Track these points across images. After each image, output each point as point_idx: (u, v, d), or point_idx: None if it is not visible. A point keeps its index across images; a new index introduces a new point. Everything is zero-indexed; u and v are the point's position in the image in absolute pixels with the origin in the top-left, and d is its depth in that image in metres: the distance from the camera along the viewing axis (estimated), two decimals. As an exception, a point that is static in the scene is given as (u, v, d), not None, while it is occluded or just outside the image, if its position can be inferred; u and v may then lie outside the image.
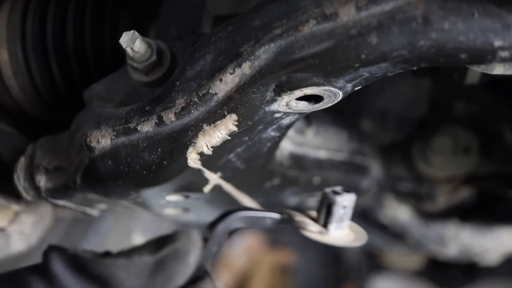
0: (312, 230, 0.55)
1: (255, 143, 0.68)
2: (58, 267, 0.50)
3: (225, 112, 0.61)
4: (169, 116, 0.62)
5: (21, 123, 0.88)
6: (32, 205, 0.90)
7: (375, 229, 1.25)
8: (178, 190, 0.72)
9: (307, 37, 0.55)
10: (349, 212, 0.54)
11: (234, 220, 0.55)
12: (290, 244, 2.18)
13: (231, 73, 0.59)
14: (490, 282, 1.90)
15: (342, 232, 0.55)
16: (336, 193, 0.54)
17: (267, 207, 0.95)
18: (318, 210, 0.54)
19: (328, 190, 0.54)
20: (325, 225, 0.54)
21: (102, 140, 0.65)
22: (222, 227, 0.54)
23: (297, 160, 0.89)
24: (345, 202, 0.53)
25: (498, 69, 0.58)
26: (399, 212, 1.20)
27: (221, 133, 0.62)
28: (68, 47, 0.83)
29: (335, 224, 0.54)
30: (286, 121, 0.67)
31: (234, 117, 0.61)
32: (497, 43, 0.51)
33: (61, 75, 0.83)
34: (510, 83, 0.95)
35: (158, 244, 0.50)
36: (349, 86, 0.59)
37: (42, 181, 0.75)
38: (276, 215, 0.57)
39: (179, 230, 0.51)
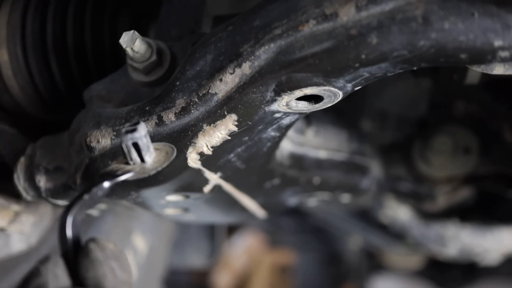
0: (136, 171, 0.57)
1: (255, 143, 0.68)
2: None
3: (225, 112, 0.61)
4: (169, 116, 0.62)
5: (21, 123, 0.88)
6: (32, 205, 0.90)
7: (375, 229, 1.25)
8: (178, 190, 0.72)
9: (307, 37, 0.55)
10: (149, 138, 0.57)
11: (76, 215, 0.54)
12: (290, 244, 2.18)
13: (231, 73, 0.59)
14: (490, 282, 1.90)
15: (155, 156, 0.59)
16: (128, 132, 0.55)
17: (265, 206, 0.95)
18: (128, 155, 0.56)
19: (123, 132, 0.55)
20: (142, 160, 0.57)
21: (102, 140, 0.65)
22: (69, 231, 0.53)
23: (297, 160, 0.89)
24: (142, 131, 0.55)
25: (498, 69, 0.58)
26: (399, 212, 1.20)
27: (221, 133, 0.62)
28: (68, 47, 0.83)
29: (148, 153, 0.57)
30: (286, 121, 0.67)
31: (234, 117, 0.61)
32: (497, 43, 0.51)
33: (61, 75, 0.83)
34: (510, 83, 0.95)
35: None
36: (349, 86, 0.59)
37: (42, 181, 0.75)
38: (99, 185, 0.57)
39: (34, 266, 0.51)
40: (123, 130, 0.56)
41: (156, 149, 0.60)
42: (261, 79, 0.58)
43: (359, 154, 1.04)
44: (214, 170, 0.70)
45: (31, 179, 0.76)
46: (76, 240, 0.53)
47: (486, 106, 1.07)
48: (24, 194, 0.78)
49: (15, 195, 0.81)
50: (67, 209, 0.53)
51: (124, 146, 0.55)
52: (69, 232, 0.53)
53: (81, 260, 0.52)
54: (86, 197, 0.55)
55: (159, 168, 0.59)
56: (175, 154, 0.61)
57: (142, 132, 0.55)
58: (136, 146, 0.55)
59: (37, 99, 0.85)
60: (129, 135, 0.55)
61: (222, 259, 2.11)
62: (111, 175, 0.58)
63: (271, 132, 0.68)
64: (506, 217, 1.22)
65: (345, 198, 1.07)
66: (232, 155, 0.68)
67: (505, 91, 1.04)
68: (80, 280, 0.51)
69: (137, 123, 0.56)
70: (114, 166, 0.60)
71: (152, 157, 0.58)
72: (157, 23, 0.79)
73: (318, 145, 0.95)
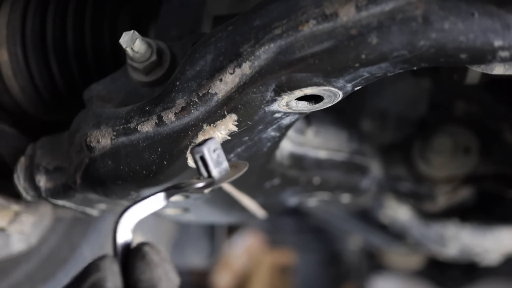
0: (201, 185, 0.57)
1: (255, 143, 0.68)
2: None
3: (225, 112, 0.61)
4: (169, 116, 0.62)
5: (21, 123, 0.88)
6: (32, 205, 0.90)
7: (375, 229, 1.25)
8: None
9: (307, 37, 0.55)
10: (221, 153, 0.56)
11: (129, 219, 0.55)
12: (290, 244, 2.18)
13: (231, 73, 0.59)
14: (490, 282, 1.91)
15: (227, 172, 0.58)
16: (199, 145, 0.55)
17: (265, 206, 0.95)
18: (197, 170, 0.56)
19: (193, 147, 0.56)
20: (209, 175, 0.56)
21: (102, 140, 0.65)
22: (120, 235, 0.55)
23: (297, 160, 0.89)
24: (212, 146, 0.55)
25: (498, 69, 0.58)
26: (399, 212, 1.20)
27: (221, 133, 0.62)
28: (68, 47, 0.83)
29: (216, 169, 0.56)
30: (286, 121, 0.67)
31: (234, 117, 0.61)
32: (497, 43, 0.51)
33: (61, 75, 0.83)
34: (510, 83, 0.95)
35: (77, 282, 0.51)
36: (349, 86, 0.59)
37: (42, 181, 0.75)
38: (159, 193, 0.58)
39: (93, 262, 0.52)
40: (193, 144, 0.57)
41: (232, 166, 0.59)
42: (261, 79, 0.58)
43: (359, 154, 1.04)
44: (214, 170, 0.70)
45: (31, 179, 0.76)
46: (127, 244, 0.54)
47: (486, 106, 1.07)
48: (24, 194, 0.78)
49: (15, 195, 0.81)
50: (121, 214, 0.54)
51: (193, 159, 0.56)
52: (121, 236, 0.54)
53: (136, 262, 0.52)
54: (140, 204, 0.56)
55: (227, 182, 0.58)
56: (246, 168, 0.60)
57: (211, 147, 0.55)
58: (203, 160, 0.55)
59: (37, 99, 0.85)
60: (196, 149, 0.55)
61: (222, 259, 2.11)
62: (176, 188, 0.59)
63: (271, 132, 0.68)
64: (506, 217, 1.22)
65: (345, 198, 1.07)
66: (232, 155, 0.68)
67: (505, 91, 1.04)
68: (133, 282, 0.51)
69: (210, 138, 0.56)
70: (185, 181, 0.60)
71: (224, 173, 0.57)
72: (157, 23, 0.79)
73: (318, 145, 0.95)
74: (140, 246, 0.54)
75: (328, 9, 0.54)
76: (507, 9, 0.50)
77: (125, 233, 0.55)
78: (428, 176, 1.13)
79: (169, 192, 0.58)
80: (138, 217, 0.56)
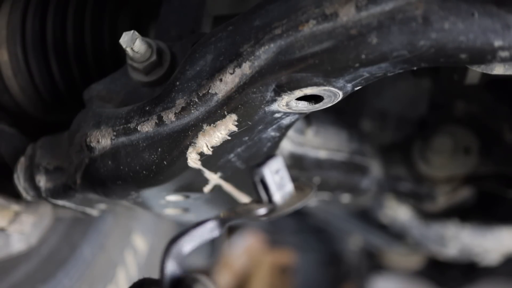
0: (262, 212, 0.50)
1: (255, 143, 0.68)
2: None
3: (225, 112, 0.61)
4: (169, 116, 0.62)
5: (21, 123, 0.88)
6: (32, 205, 0.90)
7: (375, 229, 1.25)
8: (178, 190, 0.72)
9: (307, 37, 0.55)
10: (285, 174, 0.49)
11: (179, 249, 0.49)
12: (290, 244, 2.18)
13: (231, 73, 0.59)
14: (490, 282, 1.91)
15: (290, 195, 0.50)
16: (259, 165, 0.48)
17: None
18: (256, 192, 0.49)
19: (252, 167, 0.49)
20: (270, 200, 0.49)
21: (102, 140, 0.65)
22: (170, 265, 0.49)
23: (297, 160, 0.89)
24: (274, 166, 0.48)
25: (498, 69, 0.58)
26: (399, 212, 1.20)
27: (221, 133, 0.62)
28: (68, 47, 0.83)
29: (278, 193, 0.49)
30: (286, 121, 0.67)
31: (234, 117, 0.61)
32: (497, 43, 0.51)
33: (61, 75, 0.83)
34: (510, 83, 0.95)
35: None
36: (349, 86, 0.59)
37: (42, 181, 0.75)
38: (214, 221, 0.51)
39: None
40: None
41: (297, 188, 0.51)
42: (261, 79, 0.58)
43: (359, 154, 1.04)
44: (214, 170, 0.70)
45: (31, 179, 0.76)
46: (176, 277, 0.48)
47: (486, 106, 1.07)
48: (24, 194, 0.78)
49: (15, 195, 0.81)
50: (171, 242, 0.48)
51: (252, 181, 0.48)
52: (169, 267, 0.48)
53: None
54: (191, 232, 0.50)
55: (290, 209, 0.50)
56: (313, 192, 0.53)
57: (272, 167, 0.48)
58: (263, 183, 0.48)
59: (37, 99, 0.85)
60: (255, 170, 0.47)
61: (222, 259, 2.12)
62: (232, 215, 0.52)
63: (271, 132, 0.68)
64: (506, 217, 1.22)
65: (345, 198, 1.07)
66: (232, 155, 0.68)
67: (505, 91, 1.04)
68: None
69: (271, 156, 0.48)
70: (242, 206, 0.53)
71: (287, 197, 0.49)
72: (157, 23, 0.79)
73: (318, 145, 0.95)
74: (192, 284, 0.48)
75: (328, 9, 0.54)
76: (507, 9, 0.50)
77: (174, 264, 0.48)
78: (428, 176, 1.13)
79: (223, 220, 0.51)
80: (189, 247, 0.50)
